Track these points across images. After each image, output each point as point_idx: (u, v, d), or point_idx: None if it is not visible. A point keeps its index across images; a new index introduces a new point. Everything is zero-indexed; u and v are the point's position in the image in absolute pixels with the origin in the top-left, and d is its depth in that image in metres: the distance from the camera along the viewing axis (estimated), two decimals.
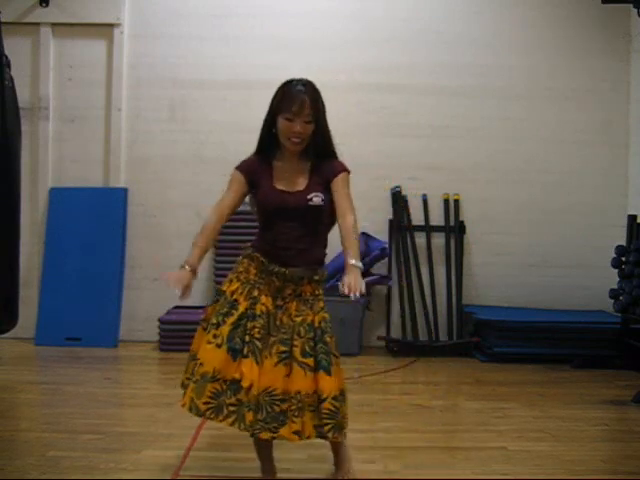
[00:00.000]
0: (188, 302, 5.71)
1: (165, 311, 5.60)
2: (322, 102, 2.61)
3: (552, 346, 5.23)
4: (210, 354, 2.51)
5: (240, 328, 2.53)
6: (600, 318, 5.44)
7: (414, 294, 5.77)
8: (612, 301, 4.97)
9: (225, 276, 5.87)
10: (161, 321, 5.50)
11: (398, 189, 5.77)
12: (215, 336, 2.53)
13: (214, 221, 2.79)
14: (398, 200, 5.78)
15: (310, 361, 2.53)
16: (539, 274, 5.81)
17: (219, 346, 2.51)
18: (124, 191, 5.79)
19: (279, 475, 2.92)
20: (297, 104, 2.52)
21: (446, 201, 5.82)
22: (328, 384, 2.52)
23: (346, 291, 2.36)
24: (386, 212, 5.79)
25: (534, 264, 5.82)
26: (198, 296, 5.79)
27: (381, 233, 5.72)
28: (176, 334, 5.44)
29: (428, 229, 5.82)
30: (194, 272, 2.54)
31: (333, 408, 2.52)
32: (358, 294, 2.36)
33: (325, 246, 2.73)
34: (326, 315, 2.61)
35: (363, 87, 5.71)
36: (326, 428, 2.51)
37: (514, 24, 5.84)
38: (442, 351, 5.52)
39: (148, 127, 5.84)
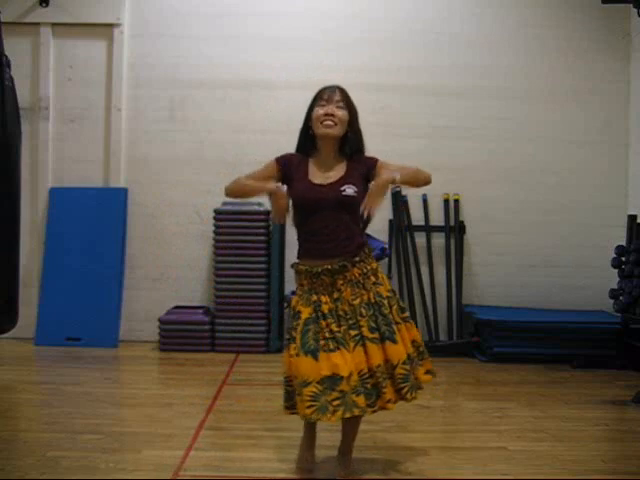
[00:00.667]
0: (188, 302, 5.77)
1: (165, 311, 5.60)
2: (354, 104, 2.88)
3: (552, 346, 5.24)
4: (295, 365, 2.73)
5: (310, 332, 2.72)
6: (600, 318, 5.44)
7: (414, 294, 5.77)
8: (612, 301, 4.96)
9: (225, 276, 5.89)
10: (161, 321, 5.50)
11: (398, 189, 5.76)
12: (294, 348, 2.75)
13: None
14: (398, 200, 5.78)
15: (377, 335, 2.75)
16: (539, 274, 5.81)
17: (298, 355, 2.72)
18: (124, 191, 5.79)
19: (279, 475, 2.92)
20: (328, 92, 2.82)
21: (446, 201, 5.82)
22: (396, 351, 2.76)
23: (364, 211, 2.69)
24: (386, 212, 5.79)
25: (534, 264, 5.82)
26: (198, 296, 5.80)
27: (381, 233, 5.71)
28: (176, 334, 5.45)
29: (428, 229, 5.82)
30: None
31: (405, 372, 2.77)
32: (366, 214, 2.70)
33: (362, 234, 2.90)
34: (380, 288, 2.81)
35: (363, 87, 5.68)
36: (404, 391, 2.77)
37: (514, 24, 5.84)
38: (442, 351, 5.51)
39: (148, 127, 5.84)
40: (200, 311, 5.59)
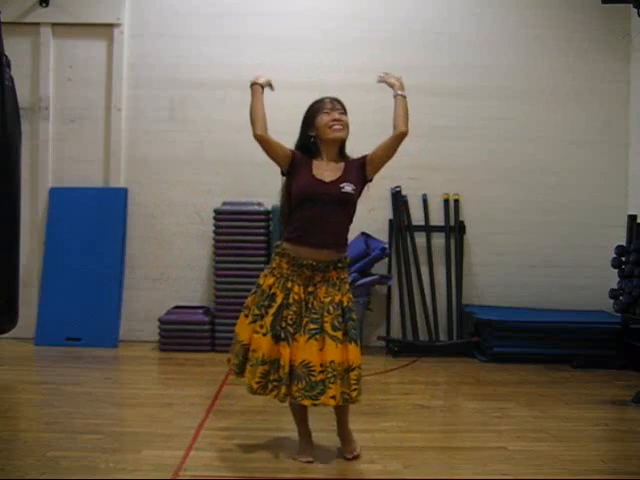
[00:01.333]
0: (188, 302, 5.76)
1: (165, 311, 5.60)
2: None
3: (552, 346, 5.24)
4: (259, 342, 2.99)
5: (279, 317, 2.98)
6: (600, 318, 5.44)
7: (414, 294, 5.77)
8: (612, 301, 4.96)
9: (225, 276, 5.88)
10: (161, 321, 5.50)
11: (398, 189, 5.77)
12: (261, 326, 3.00)
13: None
14: (398, 200, 5.78)
15: (339, 334, 2.95)
16: (539, 274, 5.81)
17: (265, 335, 2.98)
18: (124, 191, 5.79)
19: (279, 475, 2.92)
20: (330, 101, 3.10)
21: (446, 201, 5.82)
22: (356, 355, 2.96)
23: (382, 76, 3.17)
24: (386, 212, 5.79)
25: (534, 264, 5.82)
26: (198, 296, 5.80)
27: (381, 233, 5.72)
28: (176, 334, 5.46)
29: (428, 229, 5.82)
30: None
31: (359, 375, 2.96)
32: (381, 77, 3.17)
33: (346, 234, 3.13)
34: (351, 295, 3.07)
35: (363, 87, 5.67)
36: (354, 393, 2.93)
37: (514, 24, 5.84)
38: (442, 351, 5.52)
39: (148, 127, 5.83)
40: (200, 311, 5.59)
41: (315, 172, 3.04)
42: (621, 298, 4.81)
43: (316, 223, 2.99)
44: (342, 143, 3.11)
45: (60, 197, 5.77)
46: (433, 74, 5.80)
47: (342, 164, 3.09)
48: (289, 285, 2.99)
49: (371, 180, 3.14)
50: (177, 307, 5.66)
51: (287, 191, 3.11)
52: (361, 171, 3.08)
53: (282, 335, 2.96)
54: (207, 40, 5.80)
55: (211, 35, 5.80)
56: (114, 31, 5.77)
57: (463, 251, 5.83)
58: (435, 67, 5.81)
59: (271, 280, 3.03)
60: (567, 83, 5.85)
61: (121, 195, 5.77)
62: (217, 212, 5.55)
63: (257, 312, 3.02)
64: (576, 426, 3.70)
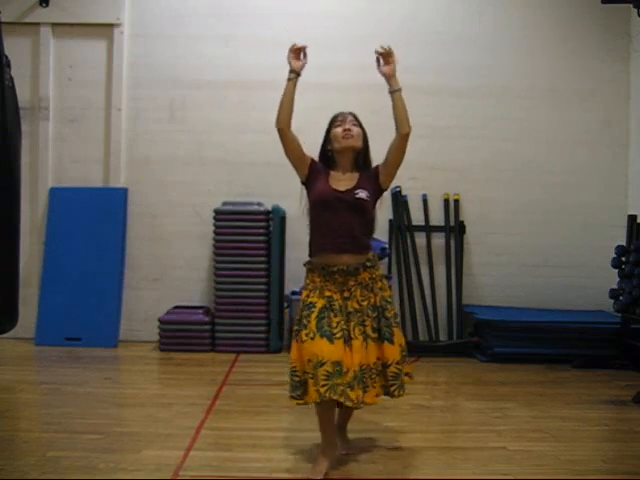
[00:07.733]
0: (188, 302, 5.76)
1: (165, 311, 5.60)
2: (364, 128, 3.16)
3: (552, 346, 5.24)
4: (310, 348, 2.87)
5: (325, 319, 2.91)
6: (600, 318, 5.44)
7: (414, 294, 5.77)
8: (612, 301, 4.96)
9: (225, 276, 5.88)
10: (161, 321, 5.50)
11: (398, 189, 5.77)
12: (307, 334, 2.91)
13: None
14: (398, 200, 5.78)
15: (377, 335, 3.02)
16: (539, 274, 5.81)
17: (313, 338, 2.88)
18: (124, 191, 5.79)
19: (279, 475, 2.92)
20: (342, 115, 3.17)
21: (446, 201, 5.82)
22: (392, 352, 3.03)
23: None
24: (386, 212, 5.79)
25: (534, 264, 5.82)
26: (198, 296, 5.81)
27: (381, 233, 5.71)
28: (176, 334, 5.45)
29: (428, 229, 5.82)
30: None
31: (397, 371, 3.03)
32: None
33: (370, 236, 3.16)
34: (385, 293, 3.09)
35: (364, 87, 5.68)
36: (392, 389, 3.03)
37: (514, 24, 5.84)
38: (442, 351, 5.52)
39: (148, 127, 5.84)
40: (200, 311, 5.59)
41: (331, 182, 3.08)
42: (621, 298, 4.81)
43: (332, 228, 3.00)
44: (356, 154, 3.11)
45: (60, 197, 5.77)
46: (433, 74, 5.80)
47: (357, 174, 3.11)
48: (327, 293, 2.98)
49: (386, 189, 3.16)
50: (177, 307, 5.66)
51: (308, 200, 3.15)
52: (375, 181, 3.10)
53: (337, 335, 2.88)
54: (207, 40, 5.80)
55: (211, 35, 5.80)
56: (114, 31, 5.78)
57: (463, 251, 5.83)
58: (435, 67, 5.81)
59: (305, 293, 3.04)
60: (567, 83, 5.85)
61: (121, 195, 5.77)
62: (217, 212, 5.55)
63: (296, 327, 3.00)
64: (576, 426, 3.70)
